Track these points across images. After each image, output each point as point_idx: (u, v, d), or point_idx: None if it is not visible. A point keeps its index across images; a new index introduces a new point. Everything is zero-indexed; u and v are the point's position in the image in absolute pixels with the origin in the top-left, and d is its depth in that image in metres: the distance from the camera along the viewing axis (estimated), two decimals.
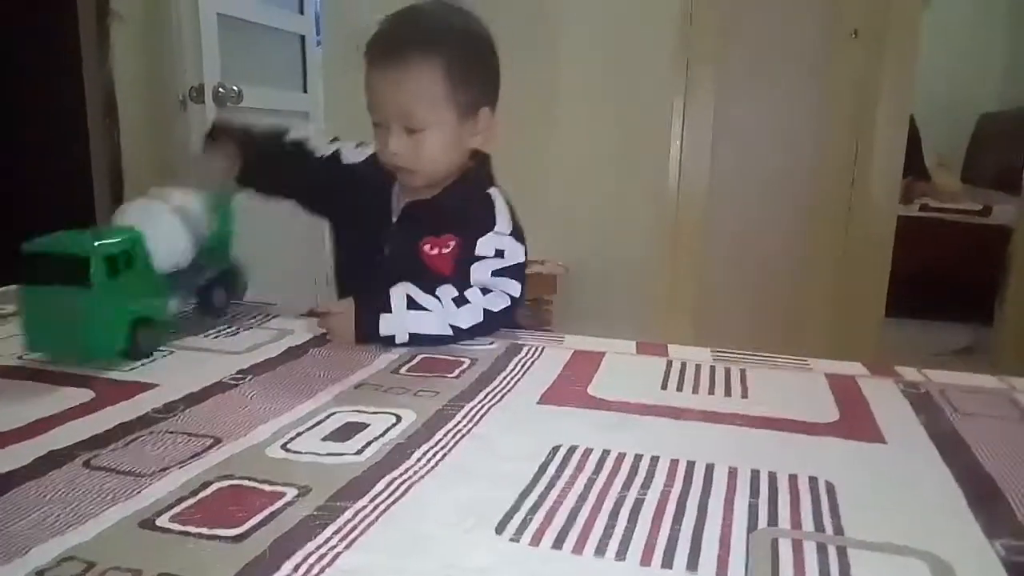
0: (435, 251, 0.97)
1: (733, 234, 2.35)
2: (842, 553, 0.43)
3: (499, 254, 0.90)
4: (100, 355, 0.71)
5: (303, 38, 2.53)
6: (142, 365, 0.72)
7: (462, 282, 0.95)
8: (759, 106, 2.31)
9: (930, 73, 3.33)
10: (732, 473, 0.52)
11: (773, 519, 0.46)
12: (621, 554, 0.42)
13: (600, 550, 0.42)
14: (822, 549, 0.43)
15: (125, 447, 0.54)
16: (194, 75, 2.05)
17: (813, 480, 0.52)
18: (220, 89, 2.08)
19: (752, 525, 0.45)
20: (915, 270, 2.50)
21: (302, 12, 2.53)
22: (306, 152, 1.04)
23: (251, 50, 2.31)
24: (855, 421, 0.63)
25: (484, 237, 0.92)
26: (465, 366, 0.75)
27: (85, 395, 0.63)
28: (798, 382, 0.74)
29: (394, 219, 0.98)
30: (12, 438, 0.54)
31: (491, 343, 0.84)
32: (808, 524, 0.46)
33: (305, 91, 2.55)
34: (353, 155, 1.04)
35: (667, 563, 0.41)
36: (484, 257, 0.89)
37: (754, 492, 0.50)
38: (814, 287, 2.31)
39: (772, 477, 0.52)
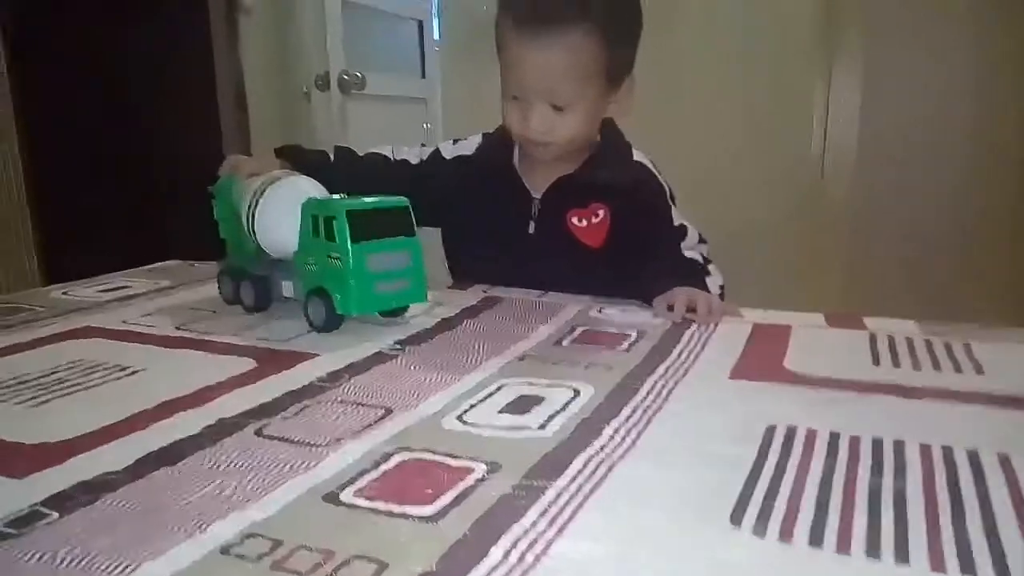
0: (583, 223, 0.92)
1: (885, 206, 2.15)
2: None
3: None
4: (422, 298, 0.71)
5: (421, 23, 2.53)
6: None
7: (614, 252, 0.90)
8: (914, 70, 2.09)
9: None
10: (1004, 461, 0.43)
11: None
12: (901, 556, 0.33)
13: (872, 550, 0.34)
14: None
15: (295, 416, 0.50)
16: (319, 63, 2.08)
17: None
18: (344, 76, 2.10)
19: None
20: None
21: None
22: (391, 164, 0.98)
23: (372, 36, 2.32)
24: None
25: (674, 211, 0.91)
26: (633, 339, 0.68)
27: (247, 364, 0.60)
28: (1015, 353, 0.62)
29: (535, 196, 0.93)
30: (179, 406, 0.51)
31: (653, 316, 0.76)
32: None
33: (424, 76, 2.54)
34: (456, 149, 0.99)
35: (967, 568, 0.32)
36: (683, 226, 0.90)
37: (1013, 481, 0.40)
38: (985, 261, 2.07)
39: None
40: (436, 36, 2.62)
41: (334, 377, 0.57)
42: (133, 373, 0.59)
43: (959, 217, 2.10)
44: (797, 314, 0.75)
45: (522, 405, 0.52)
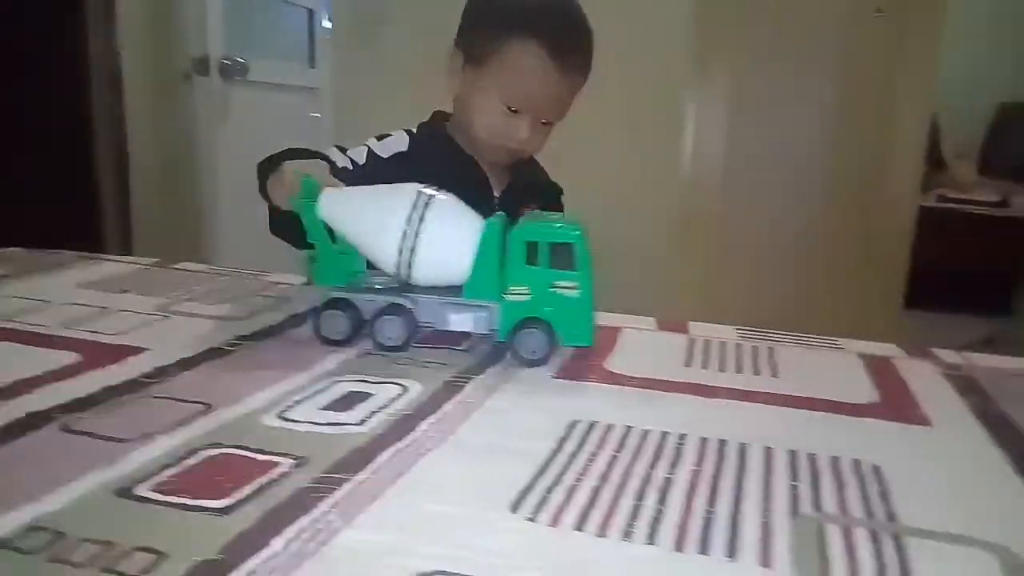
0: None
1: (748, 224, 2.29)
2: (898, 541, 0.38)
3: None
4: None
5: (311, 11, 2.48)
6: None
7: None
8: (776, 92, 2.24)
9: (949, 61, 3.27)
10: (768, 453, 0.48)
11: (817, 503, 0.42)
12: (651, 537, 0.38)
13: (628, 533, 0.38)
14: (875, 537, 0.39)
15: (108, 411, 0.49)
16: (198, 46, 2.01)
17: (856, 462, 0.47)
18: (225, 61, 2.04)
19: (794, 509, 0.41)
20: (932, 262, 2.44)
21: None
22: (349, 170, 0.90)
23: (258, 22, 2.26)
24: (896, 402, 0.59)
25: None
26: (475, 338, 0.71)
27: (71, 357, 0.59)
28: (831, 362, 0.69)
29: (496, 195, 0.97)
30: None
31: None
32: (857, 510, 0.41)
33: (313, 66, 2.50)
34: (388, 147, 0.96)
35: (703, 548, 0.37)
36: None
37: (794, 474, 0.45)
38: (833, 277, 2.25)
39: (812, 458, 0.47)
40: (327, 24, 2.58)
41: (160, 372, 0.57)
42: None
43: (814, 231, 2.26)
44: (631, 317, 0.80)
45: (347, 402, 0.53)
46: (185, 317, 0.73)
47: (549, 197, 1.01)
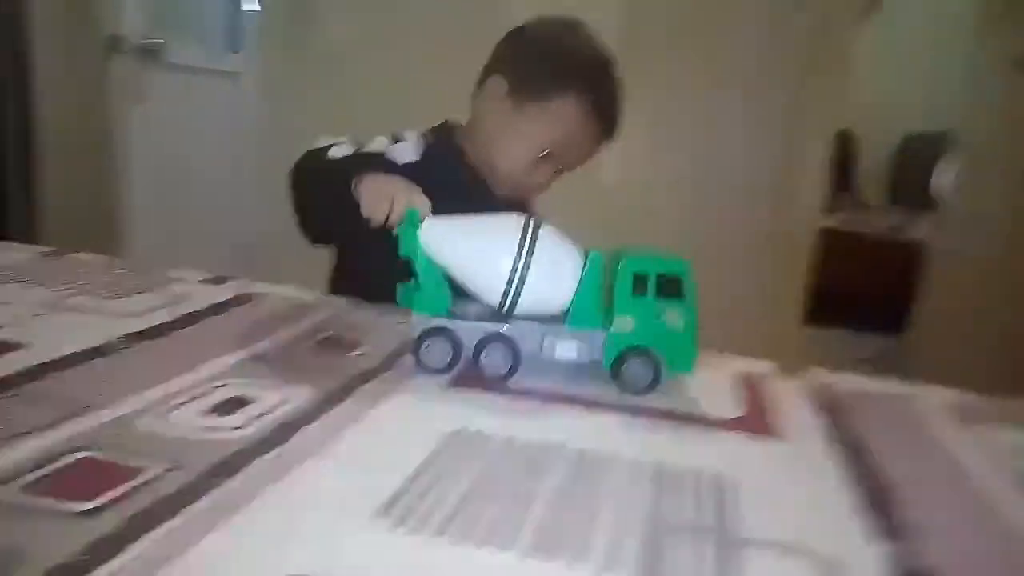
0: None
1: (647, 239, 2.35)
2: (733, 551, 0.42)
3: None
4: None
5: None
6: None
7: None
8: (687, 118, 2.30)
9: (861, 90, 3.45)
10: (632, 466, 0.51)
11: (668, 515, 0.45)
12: (506, 545, 0.40)
13: (484, 540, 0.40)
14: (712, 546, 0.42)
15: None
16: (112, 24, 1.94)
17: (711, 476, 0.51)
18: (142, 41, 1.98)
19: (650, 520, 0.44)
20: (834, 282, 2.59)
21: None
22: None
23: (178, 3, 2.20)
24: (758, 418, 0.63)
25: None
26: (374, 344, 0.72)
27: None
28: (708, 378, 0.73)
29: None
30: None
31: (404, 322, 0.81)
32: (702, 520, 0.45)
33: (237, 51, 2.44)
34: (400, 153, 0.96)
35: (552, 555, 0.39)
36: None
37: (656, 486, 0.49)
38: (732, 294, 2.33)
39: (675, 471, 0.51)
40: (257, 7, 2.52)
41: (39, 371, 0.56)
42: None
43: (714, 246, 2.35)
44: None
45: (229, 407, 0.54)
46: (72, 313, 0.71)
47: None
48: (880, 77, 3.67)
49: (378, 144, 0.97)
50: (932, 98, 3.51)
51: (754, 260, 2.33)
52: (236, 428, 0.50)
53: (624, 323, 0.66)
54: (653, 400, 0.65)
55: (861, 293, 2.83)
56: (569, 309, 0.67)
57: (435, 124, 1.05)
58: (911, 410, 0.69)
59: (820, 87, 2.25)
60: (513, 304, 0.66)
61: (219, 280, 0.90)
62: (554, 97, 0.94)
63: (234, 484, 0.43)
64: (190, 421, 0.51)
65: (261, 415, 0.53)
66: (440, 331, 0.66)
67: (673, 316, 0.66)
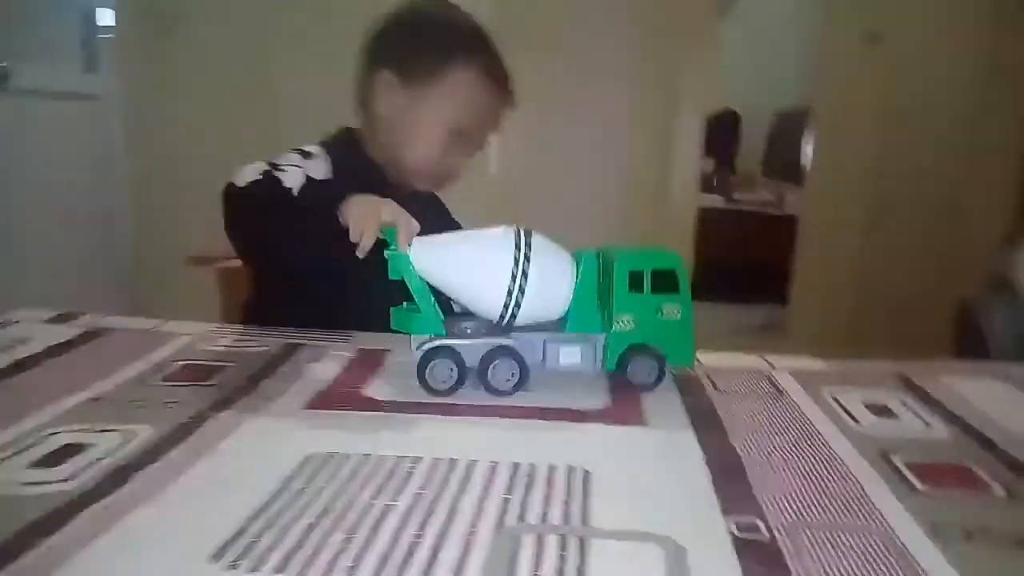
0: None
1: (541, 227, 2.38)
2: (582, 544, 0.42)
3: None
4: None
5: (88, 10, 2.28)
6: None
7: None
8: (565, 106, 2.33)
9: (740, 69, 3.62)
10: (492, 469, 0.51)
11: (523, 514, 0.45)
12: (352, 572, 0.39)
13: (328, 571, 0.39)
14: (563, 541, 0.42)
15: None
16: None
17: (570, 470, 0.51)
18: None
19: (500, 522, 0.44)
20: (720, 256, 2.70)
21: None
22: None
23: (22, 22, 2.05)
24: (623, 406, 0.64)
25: None
26: (228, 371, 0.69)
27: None
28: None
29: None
30: None
31: (265, 346, 0.78)
32: (556, 516, 0.45)
33: (92, 71, 2.29)
34: (319, 168, 0.89)
35: (400, 573, 0.38)
36: None
37: (511, 487, 0.48)
38: None
39: (532, 469, 0.51)
40: (112, 23, 2.37)
41: None
42: None
43: (598, 231, 2.40)
44: (401, 336, 0.81)
45: (59, 456, 0.50)
46: None
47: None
48: (755, 55, 3.86)
49: (292, 159, 0.88)
50: (798, 74, 3.71)
51: (638, 240, 2.39)
52: (63, 480, 0.47)
53: (624, 321, 0.66)
54: (521, 399, 0.65)
55: (742, 267, 2.96)
56: (567, 314, 0.67)
57: (334, 133, 0.99)
58: (765, 382, 0.72)
59: (694, 68, 2.34)
60: (514, 315, 0.65)
61: (67, 317, 0.84)
62: (447, 71, 0.92)
63: (57, 540, 0.40)
64: (12, 476, 0.47)
65: (96, 461, 0.49)
66: (442, 351, 0.65)
67: (671, 310, 0.67)
